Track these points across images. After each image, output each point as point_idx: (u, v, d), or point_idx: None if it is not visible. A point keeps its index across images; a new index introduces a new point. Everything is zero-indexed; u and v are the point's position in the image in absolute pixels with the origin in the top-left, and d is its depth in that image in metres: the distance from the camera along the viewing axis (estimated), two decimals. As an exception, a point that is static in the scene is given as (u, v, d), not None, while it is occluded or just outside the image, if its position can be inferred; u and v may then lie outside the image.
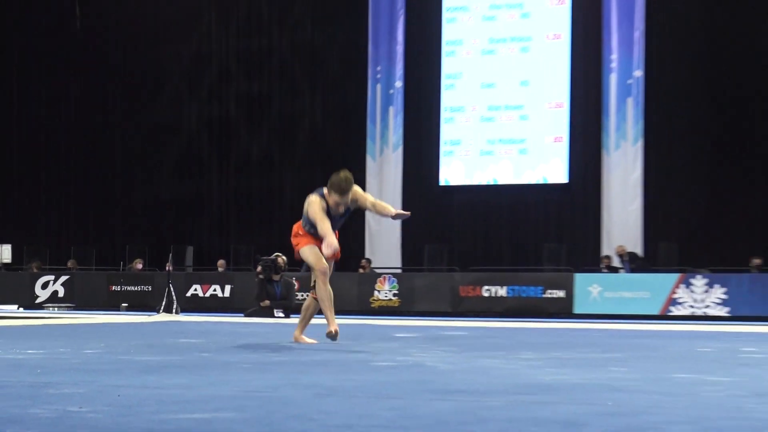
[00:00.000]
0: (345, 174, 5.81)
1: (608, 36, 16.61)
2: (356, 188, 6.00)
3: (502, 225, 18.32)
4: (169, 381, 4.33)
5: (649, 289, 15.32)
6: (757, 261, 15.22)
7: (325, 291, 5.96)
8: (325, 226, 5.83)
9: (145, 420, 2.89)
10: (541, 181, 17.63)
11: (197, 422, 2.87)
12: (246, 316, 13.92)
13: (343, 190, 5.81)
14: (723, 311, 14.86)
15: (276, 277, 14.07)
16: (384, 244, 18.42)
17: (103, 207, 20.36)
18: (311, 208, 5.91)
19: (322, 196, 5.92)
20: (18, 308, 16.68)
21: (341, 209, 5.92)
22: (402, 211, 6.20)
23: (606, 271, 16.29)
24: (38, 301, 17.58)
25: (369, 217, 17.41)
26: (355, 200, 5.98)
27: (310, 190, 17.43)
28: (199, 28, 19.51)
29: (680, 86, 16.41)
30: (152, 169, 20.12)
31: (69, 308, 17.14)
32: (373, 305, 15.48)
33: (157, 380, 4.33)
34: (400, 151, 18.05)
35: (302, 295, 15.54)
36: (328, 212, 5.91)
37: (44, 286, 17.75)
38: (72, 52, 20.61)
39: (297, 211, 17.38)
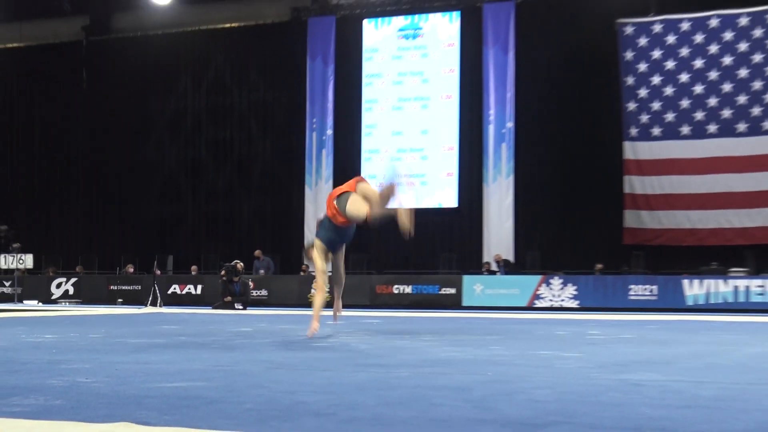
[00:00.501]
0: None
1: (487, 96, 16.75)
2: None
3: (409, 239, 18.37)
4: (154, 358, 4.55)
5: (519, 287, 15.65)
6: (599, 266, 15.54)
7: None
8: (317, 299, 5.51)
9: (136, 388, 3.03)
10: (437, 206, 17.66)
11: (176, 389, 3.01)
12: (213, 308, 14.01)
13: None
14: (574, 304, 15.19)
15: (236, 279, 14.20)
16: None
17: (104, 224, 20.16)
18: (316, 254, 5.46)
19: (324, 224, 5.56)
20: (37, 303, 16.83)
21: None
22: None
23: (486, 273, 16.57)
24: (53, 297, 17.71)
25: (308, 231, 17.59)
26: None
27: (264, 213, 16.59)
28: (177, 89, 19.23)
29: (541, 134, 16.64)
30: (142, 196, 19.79)
31: (77, 303, 17.23)
32: (309, 300, 14.27)
33: (145, 357, 4.55)
34: (330, 182, 17.83)
35: (257, 293, 16.43)
36: (334, 238, 5.47)
37: (58, 286, 17.86)
38: (81, 106, 20.33)
39: (254, 229, 15.63)
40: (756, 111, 14.24)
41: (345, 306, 8.23)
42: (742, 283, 14.16)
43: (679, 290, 14.48)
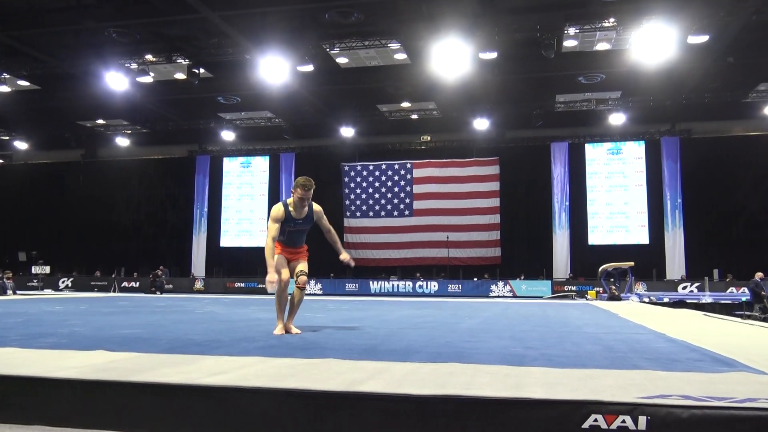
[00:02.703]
0: (307, 178, 4.98)
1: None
2: (321, 209, 5.14)
3: (245, 262, 24.91)
4: (115, 318, 6.87)
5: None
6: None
7: (279, 297, 4.96)
8: (268, 256, 4.81)
9: (106, 333, 4.69)
10: (257, 246, 23.47)
11: (126, 334, 4.76)
12: (146, 294, 19.46)
13: (306, 187, 4.91)
14: (321, 292, 22.28)
15: (157, 278, 20.91)
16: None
17: (87, 252, 25.97)
18: (269, 221, 4.98)
19: (284, 203, 5.01)
20: (51, 291, 21.72)
21: (305, 210, 5.03)
22: (348, 258, 5.31)
23: None
24: (59, 288, 23.59)
25: (194, 259, 25.40)
26: (319, 218, 5.14)
27: (170, 248, 27.09)
28: (132, 184, 26.70)
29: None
30: (110, 239, 25.89)
31: (72, 291, 22.11)
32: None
33: (110, 318, 6.92)
34: (204, 234, 25.98)
35: (167, 286, 21.94)
36: (289, 217, 4.94)
37: (62, 282, 24.23)
38: (79, 193, 26.95)
39: (164, 254, 26.19)
40: (400, 205, 25.07)
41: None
42: (395, 283, 22.62)
43: (368, 286, 22.74)
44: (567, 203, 24.32)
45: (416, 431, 2.27)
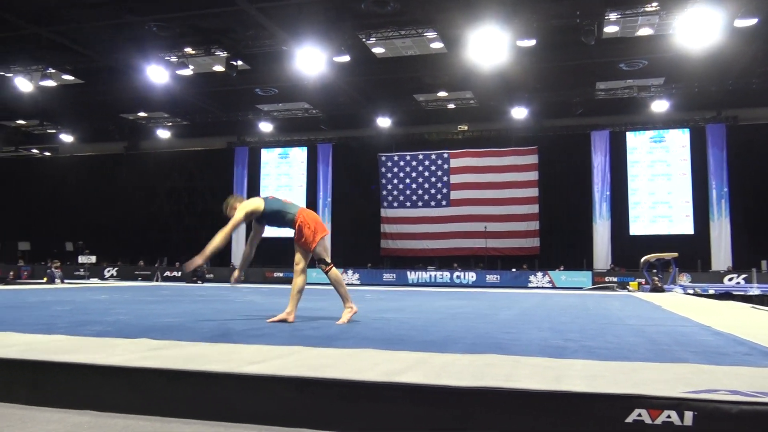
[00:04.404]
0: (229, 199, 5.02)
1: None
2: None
3: (283, 252, 27.97)
4: (157, 306, 6.85)
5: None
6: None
7: (295, 282, 4.98)
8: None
9: (149, 321, 4.67)
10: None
11: (168, 322, 4.72)
12: (186, 283, 19.30)
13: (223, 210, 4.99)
14: (358, 282, 22.12)
15: (198, 268, 23.69)
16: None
17: (129, 242, 26.76)
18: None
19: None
20: (97, 280, 22.20)
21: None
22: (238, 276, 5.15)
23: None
24: (105, 277, 24.08)
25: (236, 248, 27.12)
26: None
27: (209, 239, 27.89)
28: (172, 175, 27.18)
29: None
30: (149, 229, 26.63)
31: (117, 280, 22.51)
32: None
33: (153, 306, 6.93)
34: (244, 225, 28.63)
35: (208, 276, 22.28)
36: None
37: (107, 271, 24.84)
38: (121, 184, 27.84)
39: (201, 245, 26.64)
40: (437, 195, 25.01)
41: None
42: (432, 273, 22.55)
43: (405, 276, 22.73)
44: (608, 193, 23.86)
45: (455, 423, 2.25)
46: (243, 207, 5.01)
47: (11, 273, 21.59)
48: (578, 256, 22.88)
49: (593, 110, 23.00)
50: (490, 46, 15.48)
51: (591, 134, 24.31)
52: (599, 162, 24.13)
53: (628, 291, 17.85)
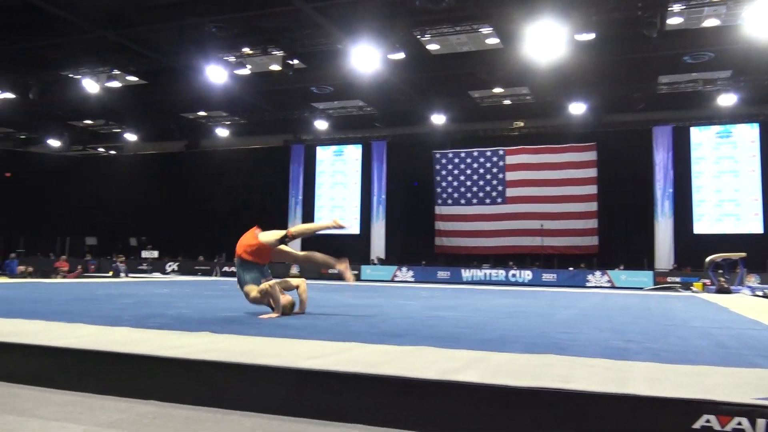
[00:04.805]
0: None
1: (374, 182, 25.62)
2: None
3: (338, 249, 27.66)
4: (218, 301, 7.24)
5: (387, 271, 22.98)
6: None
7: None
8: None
9: (209, 315, 4.91)
10: (350, 233, 24.65)
11: (227, 316, 4.92)
12: None
13: None
14: (412, 279, 22.31)
15: None
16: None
17: (190, 237, 27.17)
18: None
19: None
20: (159, 275, 22.81)
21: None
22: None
23: (375, 263, 23.80)
24: (167, 272, 24.65)
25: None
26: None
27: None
28: (231, 171, 27.78)
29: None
30: (208, 226, 27.24)
31: (178, 275, 23.35)
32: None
33: (213, 300, 7.17)
34: (299, 221, 26.05)
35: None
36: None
37: (169, 266, 25.28)
38: (181, 181, 28.65)
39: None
40: (492, 192, 24.58)
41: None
42: (487, 271, 22.14)
43: (460, 274, 22.32)
44: (670, 190, 23.11)
45: (512, 424, 2.22)
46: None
47: (79, 267, 22.44)
48: (639, 256, 22.22)
49: (655, 105, 22.26)
50: (547, 41, 15.20)
51: (653, 130, 23.57)
52: (661, 158, 23.38)
53: (692, 292, 17.32)
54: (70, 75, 20.68)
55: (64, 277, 19.15)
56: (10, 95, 22.54)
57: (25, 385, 2.86)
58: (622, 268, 21.97)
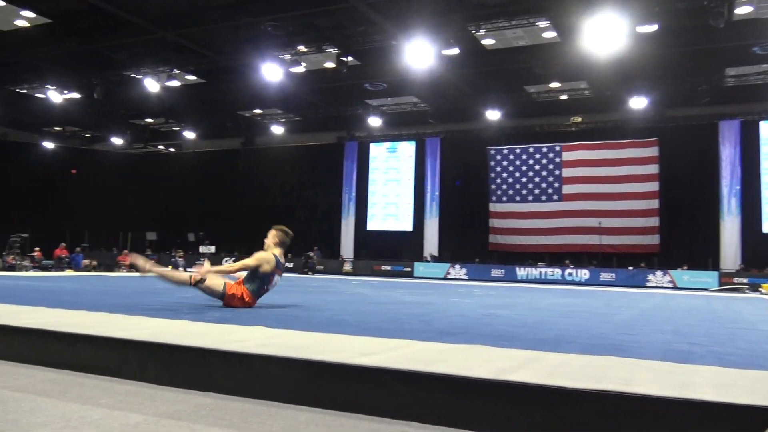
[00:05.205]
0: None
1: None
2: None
3: (391, 246, 26.07)
4: (274, 296, 7.15)
5: (440, 268, 23.29)
6: (477, 260, 24.22)
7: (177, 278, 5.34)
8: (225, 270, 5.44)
9: (265, 310, 5.45)
10: (403, 230, 26.20)
11: (283, 311, 5.10)
12: (299, 274, 21.69)
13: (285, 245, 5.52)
14: (466, 277, 22.66)
15: (310, 259, 23.00)
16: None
17: (250, 233, 27.05)
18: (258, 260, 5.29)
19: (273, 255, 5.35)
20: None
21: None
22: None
23: (428, 260, 24.23)
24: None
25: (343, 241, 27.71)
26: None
27: (319, 230, 27.91)
28: (284, 168, 28.64)
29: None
30: (262, 221, 25.92)
31: None
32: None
33: (269, 296, 6.92)
34: (352, 218, 27.04)
35: (318, 267, 23.78)
36: (279, 263, 5.43)
37: (225, 260, 23.74)
38: (237, 177, 29.47)
39: (315, 237, 27.16)
40: (548, 189, 24.29)
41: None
42: (542, 270, 22.16)
43: (514, 272, 22.49)
44: (738, 187, 22.25)
45: (568, 426, 2.18)
46: (262, 259, 5.38)
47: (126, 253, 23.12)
48: (703, 255, 21.54)
49: (722, 98, 21.46)
50: (606, 33, 14.80)
51: (719, 124, 22.71)
52: (728, 154, 22.50)
53: (761, 294, 16.66)
54: (133, 75, 21.35)
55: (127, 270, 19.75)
56: (76, 95, 23.47)
57: (89, 374, 2.97)
58: (685, 268, 21.36)
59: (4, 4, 16.42)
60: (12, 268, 17.69)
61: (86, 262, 21.83)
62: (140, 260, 4.92)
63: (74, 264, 21.08)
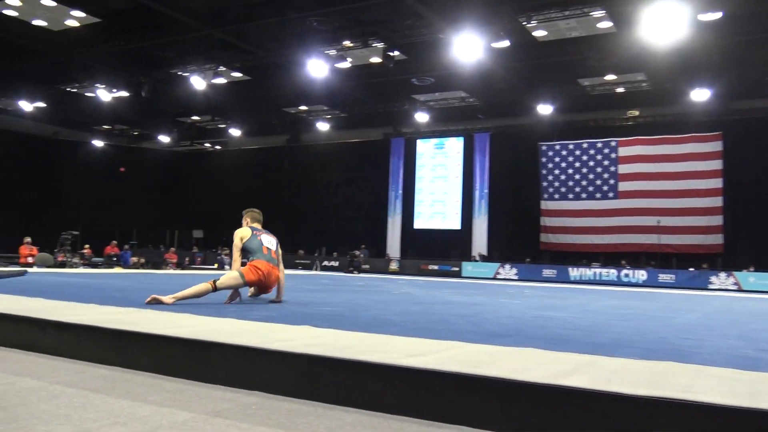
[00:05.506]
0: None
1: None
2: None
3: (438, 245, 26.26)
4: (319, 294, 7.75)
5: (489, 268, 23.42)
6: (528, 259, 23.56)
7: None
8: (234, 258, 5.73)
9: (310, 309, 5.28)
10: (451, 228, 26.39)
11: (328, 311, 4.99)
12: (344, 272, 21.58)
13: (259, 220, 6.03)
14: (516, 277, 22.55)
15: (355, 258, 23.31)
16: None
17: (307, 233, 27.93)
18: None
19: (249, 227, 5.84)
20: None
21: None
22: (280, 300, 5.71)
23: (477, 260, 24.37)
24: None
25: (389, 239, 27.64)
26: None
27: (367, 229, 27.94)
28: (330, 165, 29.03)
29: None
30: (314, 221, 28.30)
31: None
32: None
33: (314, 294, 7.65)
34: (398, 217, 27.32)
35: (363, 266, 23.52)
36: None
37: None
38: (283, 175, 30.22)
39: (362, 236, 27.47)
40: (603, 186, 23.94)
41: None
42: (597, 270, 21.93)
43: (567, 272, 22.34)
44: (811, 184, 21.37)
45: (627, 434, 2.13)
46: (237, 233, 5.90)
47: (187, 259, 23.77)
48: (772, 256, 20.60)
49: (793, 89, 20.62)
50: (666, 22, 14.40)
51: (788, 117, 21.85)
52: (799, 148, 21.61)
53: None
54: (179, 73, 21.90)
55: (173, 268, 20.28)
56: (124, 93, 24.18)
57: (138, 371, 3.04)
58: (751, 269, 20.62)
59: (54, 4, 17.03)
60: (63, 264, 18.33)
61: (134, 259, 22.50)
62: (160, 298, 5.07)
63: (123, 261, 21.74)
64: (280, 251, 6.04)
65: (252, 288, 5.90)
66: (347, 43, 18.87)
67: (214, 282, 5.41)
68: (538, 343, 3.48)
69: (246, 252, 5.83)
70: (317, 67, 19.14)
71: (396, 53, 18.72)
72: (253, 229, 5.97)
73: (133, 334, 3.30)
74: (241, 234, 5.90)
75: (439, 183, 27.12)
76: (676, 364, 2.90)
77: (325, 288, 9.37)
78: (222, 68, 21.46)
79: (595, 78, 21.76)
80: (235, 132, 29.74)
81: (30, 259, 17.90)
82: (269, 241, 5.93)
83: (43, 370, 3.02)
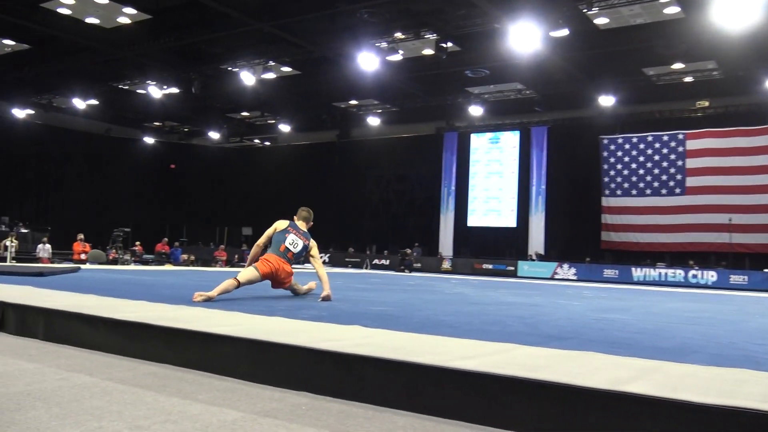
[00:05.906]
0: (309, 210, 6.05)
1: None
2: (313, 242, 5.97)
3: (492, 243, 25.91)
4: (369, 294, 7.88)
5: (546, 267, 23.09)
6: (588, 259, 22.66)
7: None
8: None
9: (361, 309, 5.19)
10: (506, 226, 26.08)
11: (379, 311, 5.04)
12: (395, 271, 21.55)
13: (306, 219, 6.10)
14: (575, 277, 22.11)
15: (406, 257, 24.44)
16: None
17: (345, 231, 28.21)
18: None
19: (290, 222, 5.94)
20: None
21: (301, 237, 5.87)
22: (329, 295, 5.78)
23: (533, 259, 23.96)
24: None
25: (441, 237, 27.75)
26: (310, 247, 5.98)
27: (419, 226, 27.77)
28: (379, 161, 28.90)
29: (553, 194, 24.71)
30: (363, 217, 28.77)
31: (329, 266, 24.76)
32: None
33: (363, 293, 7.60)
34: (451, 214, 26.96)
35: (416, 265, 23.66)
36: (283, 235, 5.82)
37: (320, 257, 28.71)
38: (334, 171, 29.99)
39: (413, 233, 27.37)
40: (669, 182, 23.12)
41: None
42: (662, 271, 21.38)
43: (629, 272, 21.80)
44: None
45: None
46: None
47: (236, 256, 24.20)
48: None
49: None
50: (739, 6, 13.88)
51: None
52: None
53: None
54: (229, 68, 22.31)
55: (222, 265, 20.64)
56: (175, 90, 24.77)
57: (189, 369, 3.12)
58: (832, 270, 19.73)
59: (107, 1, 17.60)
60: (114, 261, 18.93)
61: (184, 257, 23.05)
62: (206, 294, 5.28)
63: (173, 259, 22.30)
64: (315, 252, 6.26)
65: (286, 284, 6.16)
66: (399, 35, 18.85)
67: (237, 278, 5.67)
68: (598, 346, 3.42)
69: (269, 246, 6.15)
70: (368, 61, 19.18)
71: (449, 44, 18.62)
72: (291, 224, 6.16)
73: (184, 332, 3.38)
74: (278, 224, 6.17)
75: (494, 179, 26.84)
76: (749, 371, 2.82)
77: (376, 287, 9.42)
78: (271, 63, 21.76)
79: (661, 67, 21.15)
80: (284, 127, 30.05)
81: (83, 256, 18.61)
82: (294, 241, 6.05)
83: (95, 367, 3.12)
